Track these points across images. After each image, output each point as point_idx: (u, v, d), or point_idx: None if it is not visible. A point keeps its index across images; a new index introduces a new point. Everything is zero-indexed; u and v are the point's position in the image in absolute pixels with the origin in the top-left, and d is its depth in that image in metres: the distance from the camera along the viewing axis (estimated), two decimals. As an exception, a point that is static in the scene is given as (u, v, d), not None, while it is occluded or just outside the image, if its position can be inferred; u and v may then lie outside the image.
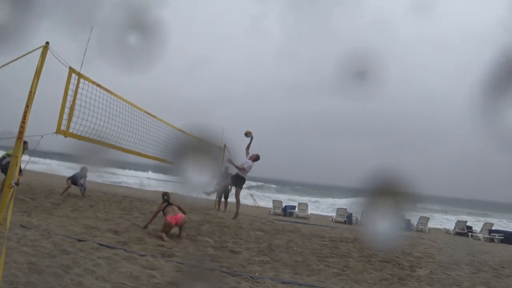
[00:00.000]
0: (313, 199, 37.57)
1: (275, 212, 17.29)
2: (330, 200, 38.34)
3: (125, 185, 27.41)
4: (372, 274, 6.16)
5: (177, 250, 6.29)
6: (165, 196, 7.66)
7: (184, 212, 7.49)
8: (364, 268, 6.54)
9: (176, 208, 7.43)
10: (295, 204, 19.10)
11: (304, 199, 30.01)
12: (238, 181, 11.49)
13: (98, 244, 5.75)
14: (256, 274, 5.28)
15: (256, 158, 11.44)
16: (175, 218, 7.17)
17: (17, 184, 4.61)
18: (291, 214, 17.32)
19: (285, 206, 17.96)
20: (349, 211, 17.72)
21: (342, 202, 30.59)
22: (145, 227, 7.69)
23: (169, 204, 7.51)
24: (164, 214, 7.39)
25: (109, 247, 5.69)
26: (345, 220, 17.04)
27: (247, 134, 11.43)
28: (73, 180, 11.71)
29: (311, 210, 19.87)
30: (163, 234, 6.96)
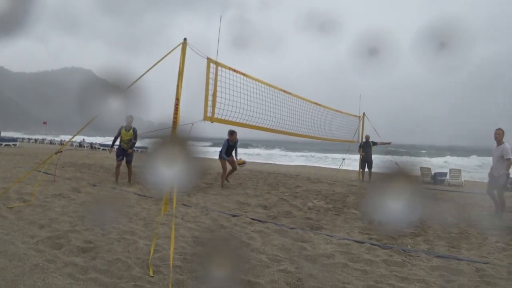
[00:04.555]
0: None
1: (423, 180, 16.06)
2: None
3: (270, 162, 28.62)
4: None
5: (324, 223, 6.35)
6: None
7: None
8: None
9: None
10: (446, 170, 17.40)
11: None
12: None
13: (251, 218, 6.14)
14: (408, 247, 5.00)
15: None
16: None
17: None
18: (441, 182, 15.98)
19: (435, 174, 16.54)
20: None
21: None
22: None
23: None
24: None
25: (260, 221, 6.03)
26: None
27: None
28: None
29: (465, 177, 18.02)
30: None
